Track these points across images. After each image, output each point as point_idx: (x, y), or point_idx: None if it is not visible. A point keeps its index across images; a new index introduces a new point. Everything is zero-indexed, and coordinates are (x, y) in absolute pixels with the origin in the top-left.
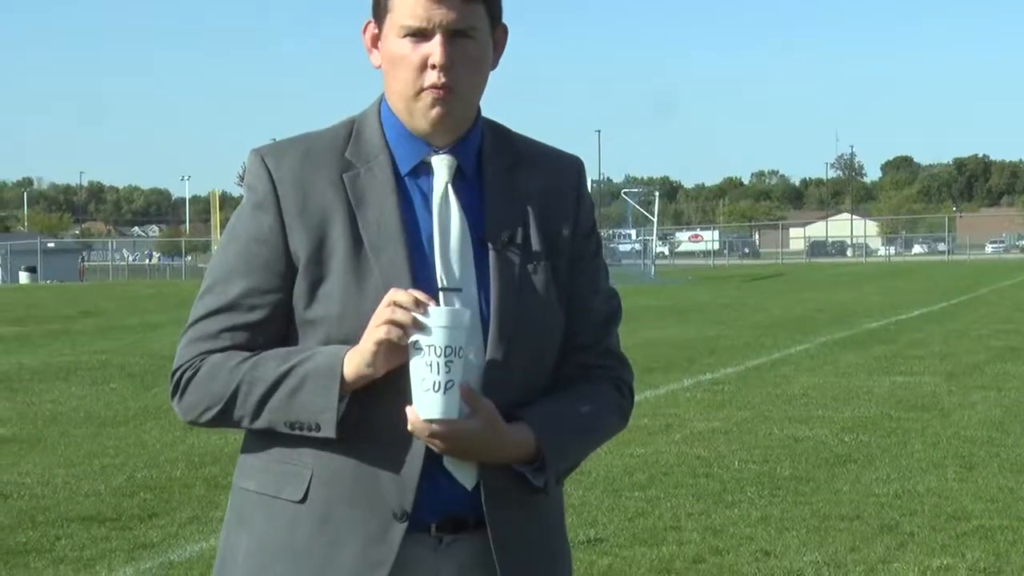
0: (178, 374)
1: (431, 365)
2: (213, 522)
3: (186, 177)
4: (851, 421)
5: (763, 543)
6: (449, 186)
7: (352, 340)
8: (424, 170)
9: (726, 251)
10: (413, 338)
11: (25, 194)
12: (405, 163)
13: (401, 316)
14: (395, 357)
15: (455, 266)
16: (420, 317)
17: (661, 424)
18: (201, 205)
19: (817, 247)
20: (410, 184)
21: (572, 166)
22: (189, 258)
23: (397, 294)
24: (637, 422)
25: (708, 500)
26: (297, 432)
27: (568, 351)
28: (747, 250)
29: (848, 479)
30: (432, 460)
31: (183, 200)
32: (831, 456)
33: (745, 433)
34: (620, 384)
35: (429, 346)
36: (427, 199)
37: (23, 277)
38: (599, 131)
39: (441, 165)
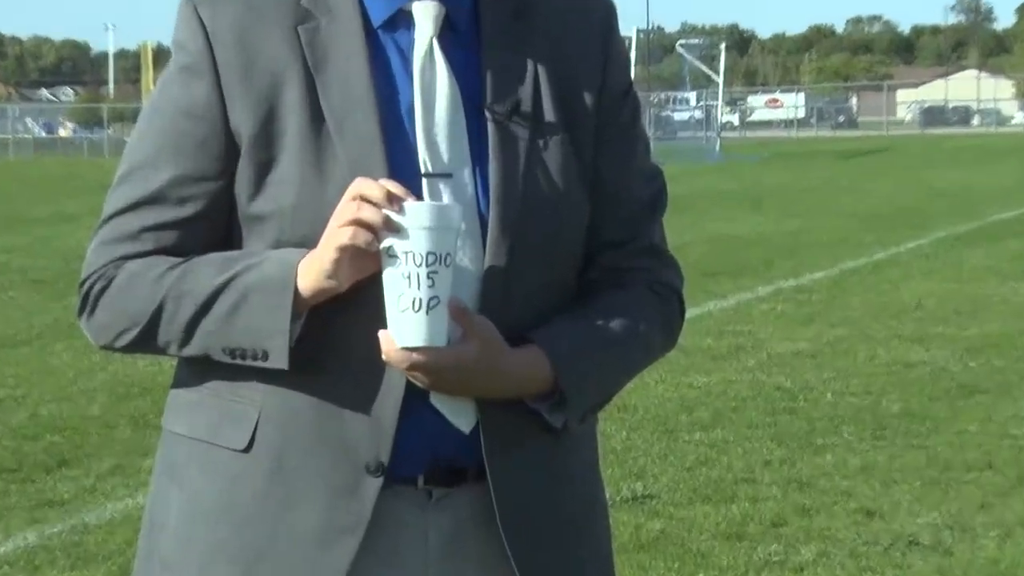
0: (87, 285)
1: (410, 278)
2: (141, 473)
3: (110, 26)
4: (980, 340)
5: (864, 500)
6: (435, 41)
7: (310, 242)
8: (403, 21)
9: (814, 120)
10: (386, 243)
11: None
12: (378, 12)
13: (369, 215)
14: (364, 266)
15: (443, 145)
16: (394, 216)
17: (729, 345)
18: (129, 62)
19: (933, 114)
20: (385, 39)
21: (598, 9)
22: (112, 130)
23: (364, 185)
24: (697, 343)
25: (792, 444)
26: (239, 361)
27: (595, 251)
28: (842, 118)
29: (976, 416)
30: (416, 396)
31: (105, 55)
32: (953, 386)
33: (840, 356)
34: (663, 290)
35: (407, 253)
36: (406, 59)
37: None
38: None
39: (424, 14)
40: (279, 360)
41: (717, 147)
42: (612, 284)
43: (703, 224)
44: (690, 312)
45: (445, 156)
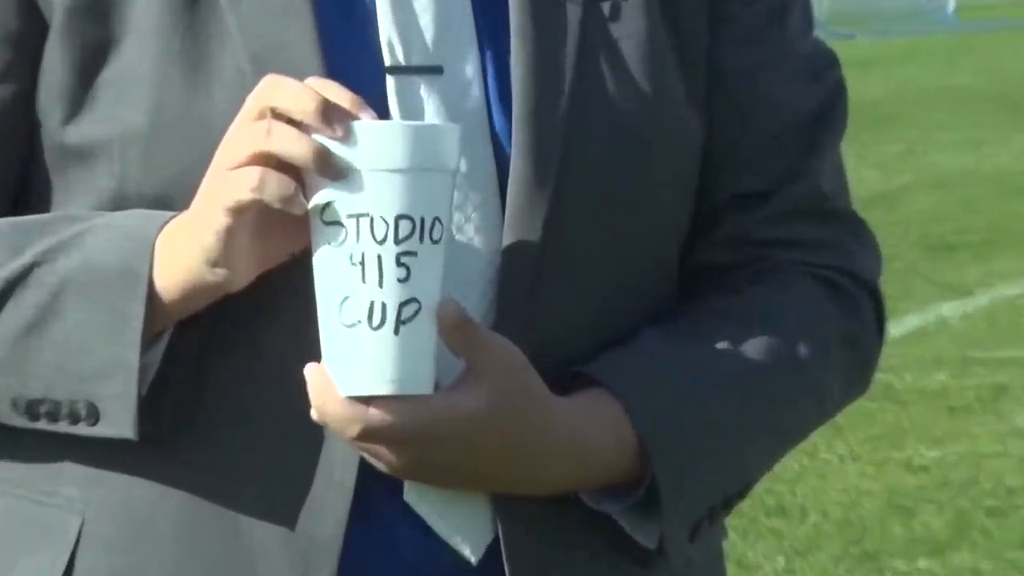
0: None
1: (364, 264)
2: None
3: None
4: None
5: None
6: None
7: (179, 197)
8: None
9: None
10: (320, 198)
11: None
12: None
13: (288, 145)
14: (279, 242)
15: (425, 16)
16: (335, 146)
17: (980, 387)
18: None
19: None
20: None
21: None
22: None
23: (279, 89)
24: (920, 381)
25: None
26: (45, 425)
27: (714, 211)
28: None
29: None
30: (378, 490)
31: None
32: None
33: None
34: (843, 281)
35: (358, 217)
36: None
37: None
38: None
39: None
40: (119, 422)
41: (950, 7)
42: (745, 273)
43: (925, 154)
44: (902, 323)
45: (428, 36)
